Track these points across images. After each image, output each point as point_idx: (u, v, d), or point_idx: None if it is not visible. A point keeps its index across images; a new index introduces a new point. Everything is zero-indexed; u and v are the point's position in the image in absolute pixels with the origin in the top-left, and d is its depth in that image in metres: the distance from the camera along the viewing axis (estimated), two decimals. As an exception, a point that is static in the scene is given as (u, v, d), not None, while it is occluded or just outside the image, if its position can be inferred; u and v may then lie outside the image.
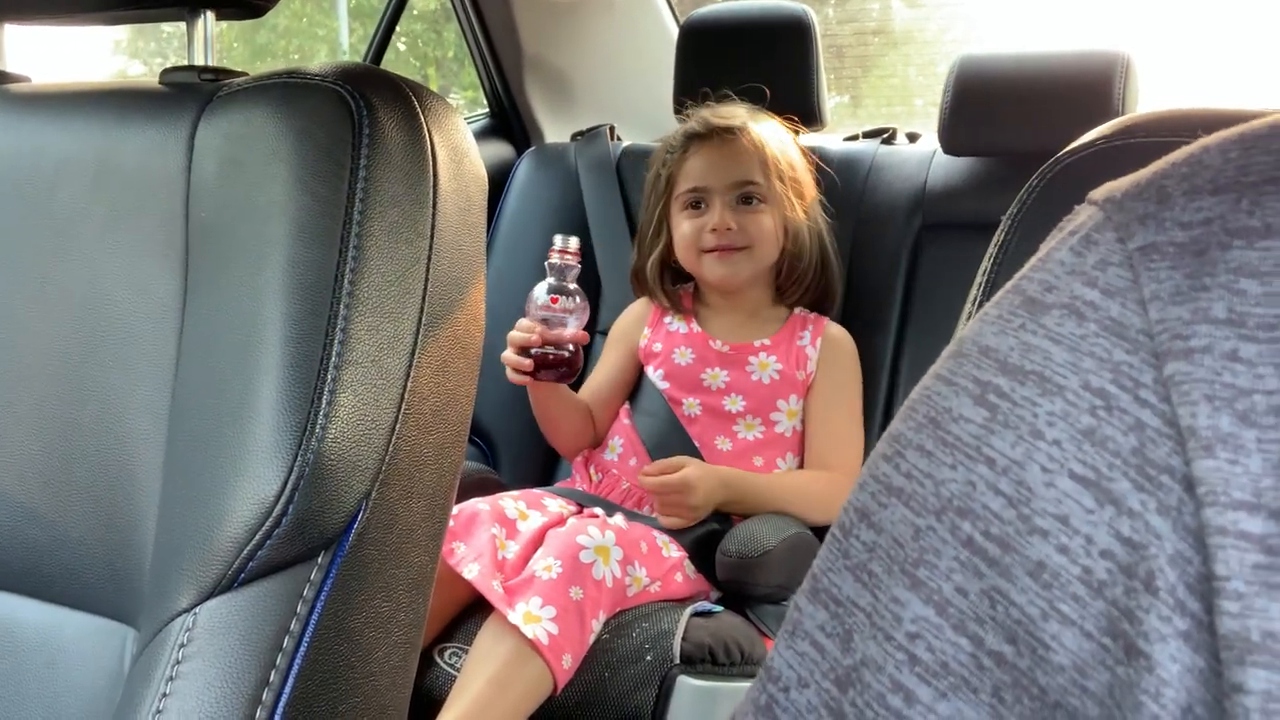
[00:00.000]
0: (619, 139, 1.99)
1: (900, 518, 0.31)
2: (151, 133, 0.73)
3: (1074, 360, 0.29)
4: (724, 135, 1.58)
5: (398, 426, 0.66)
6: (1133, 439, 0.27)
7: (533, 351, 1.47)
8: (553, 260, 1.50)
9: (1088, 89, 1.55)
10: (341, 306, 0.64)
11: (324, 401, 0.63)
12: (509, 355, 1.49)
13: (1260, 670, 0.25)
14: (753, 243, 1.55)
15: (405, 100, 0.71)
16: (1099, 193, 0.32)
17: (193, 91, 0.75)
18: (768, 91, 1.70)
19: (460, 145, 0.75)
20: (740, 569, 1.36)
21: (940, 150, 1.72)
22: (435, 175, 0.71)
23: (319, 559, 0.63)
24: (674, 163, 1.61)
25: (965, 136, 1.66)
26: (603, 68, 2.16)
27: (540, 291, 1.50)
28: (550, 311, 1.49)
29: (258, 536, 0.61)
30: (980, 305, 0.57)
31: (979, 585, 0.29)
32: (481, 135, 2.04)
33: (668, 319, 1.65)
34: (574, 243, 1.50)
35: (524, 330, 1.48)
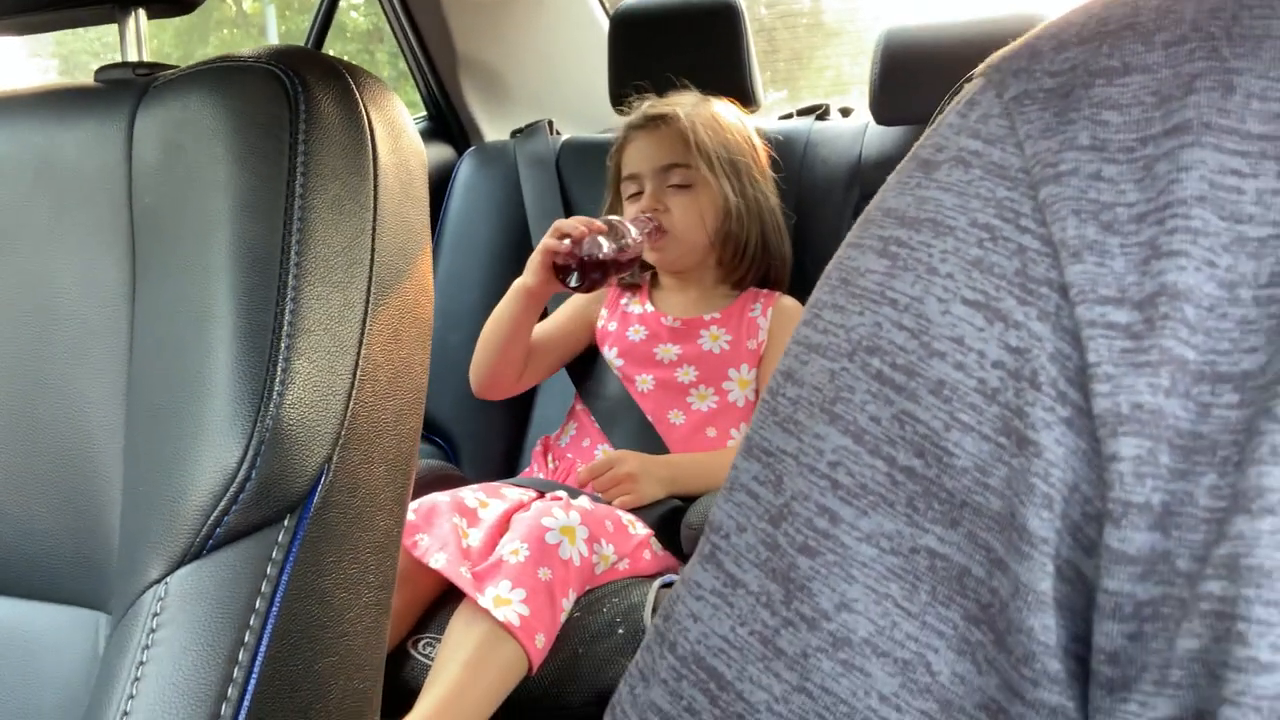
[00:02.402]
0: (558, 133, 2.01)
1: (819, 368, 0.33)
2: (90, 126, 0.74)
3: (962, 203, 0.32)
4: (656, 122, 1.62)
5: (354, 392, 0.68)
6: (1016, 262, 0.30)
7: (578, 242, 1.47)
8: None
9: (1008, 50, 1.59)
10: (290, 277, 0.66)
11: (279, 369, 0.64)
12: (551, 242, 1.50)
13: (1130, 438, 0.28)
14: (676, 223, 1.58)
15: (339, 78, 0.73)
16: (981, 66, 0.35)
17: (128, 86, 0.76)
18: (687, 82, 1.73)
19: (397, 121, 0.76)
20: (705, 540, 1.38)
21: (873, 122, 1.75)
22: (374, 149, 0.72)
23: (285, 522, 0.64)
24: (615, 153, 1.65)
25: (895, 106, 1.69)
26: (537, 63, 2.18)
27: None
28: (617, 221, 1.50)
29: (223, 503, 0.62)
30: None
31: (889, 411, 0.31)
32: (421, 138, 2.05)
33: (624, 300, 1.68)
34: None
35: (579, 222, 1.50)
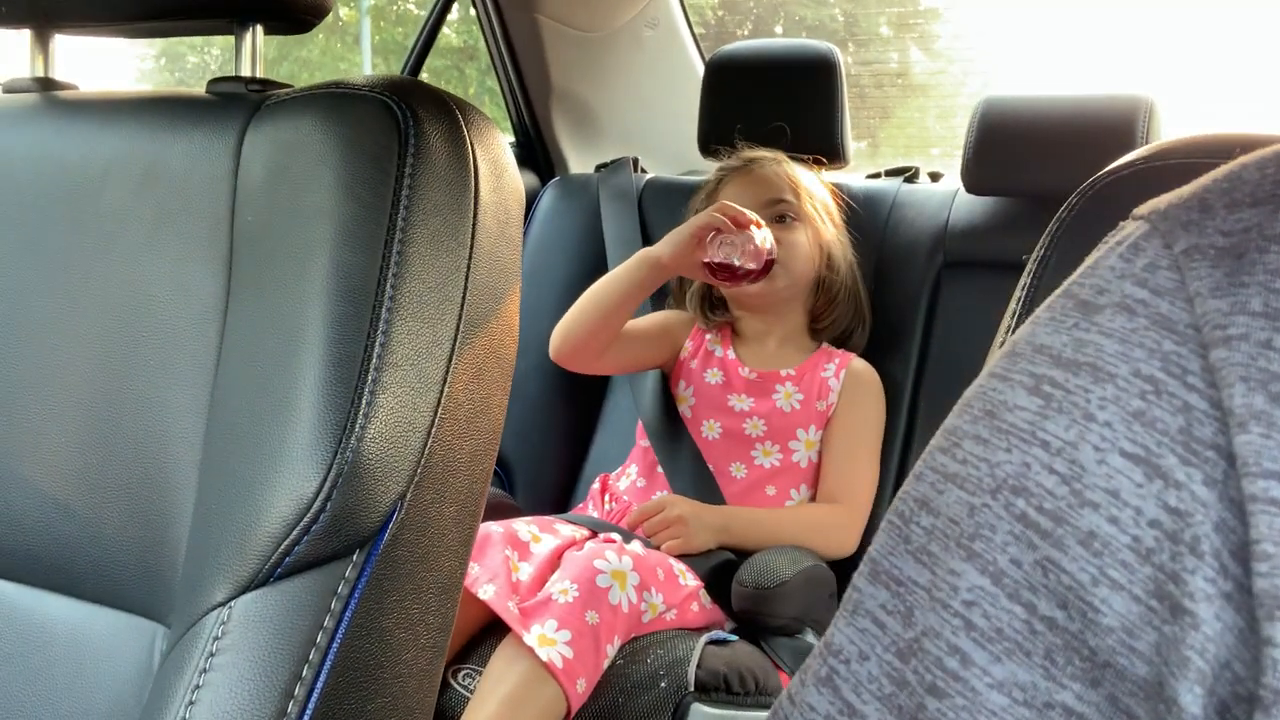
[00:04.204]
0: (642, 171, 2.01)
1: (956, 499, 0.32)
2: (199, 138, 0.75)
3: (1125, 351, 0.31)
4: (756, 164, 1.62)
5: (434, 430, 0.67)
6: (1180, 419, 0.29)
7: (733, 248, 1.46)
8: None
9: (1110, 131, 1.56)
10: (383, 310, 0.65)
11: (364, 402, 0.63)
12: (718, 218, 1.47)
13: None
14: (787, 256, 1.57)
15: (449, 113, 0.73)
16: (1143, 208, 0.34)
17: (240, 101, 0.77)
18: (788, 130, 1.73)
19: (500, 160, 0.76)
20: (756, 599, 1.36)
21: (962, 189, 1.73)
22: (476, 187, 0.72)
23: (354, 557, 0.63)
24: (710, 194, 1.65)
25: (988, 176, 1.67)
26: (629, 101, 2.19)
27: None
28: (760, 232, 1.48)
29: (295, 532, 0.62)
30: (1020, 317, 0.58)
31: (1032, 556, 0.30)
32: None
33: (709, 337, 1.67)
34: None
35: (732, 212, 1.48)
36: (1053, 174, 1.61)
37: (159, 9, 0.83)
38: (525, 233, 1.99)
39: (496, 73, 2.03)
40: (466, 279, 0.71)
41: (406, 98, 0.71)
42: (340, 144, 0.68)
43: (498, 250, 0.74)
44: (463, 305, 0.70)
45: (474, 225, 0.72)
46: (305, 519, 0.62)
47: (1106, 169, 0.57)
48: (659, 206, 1.91)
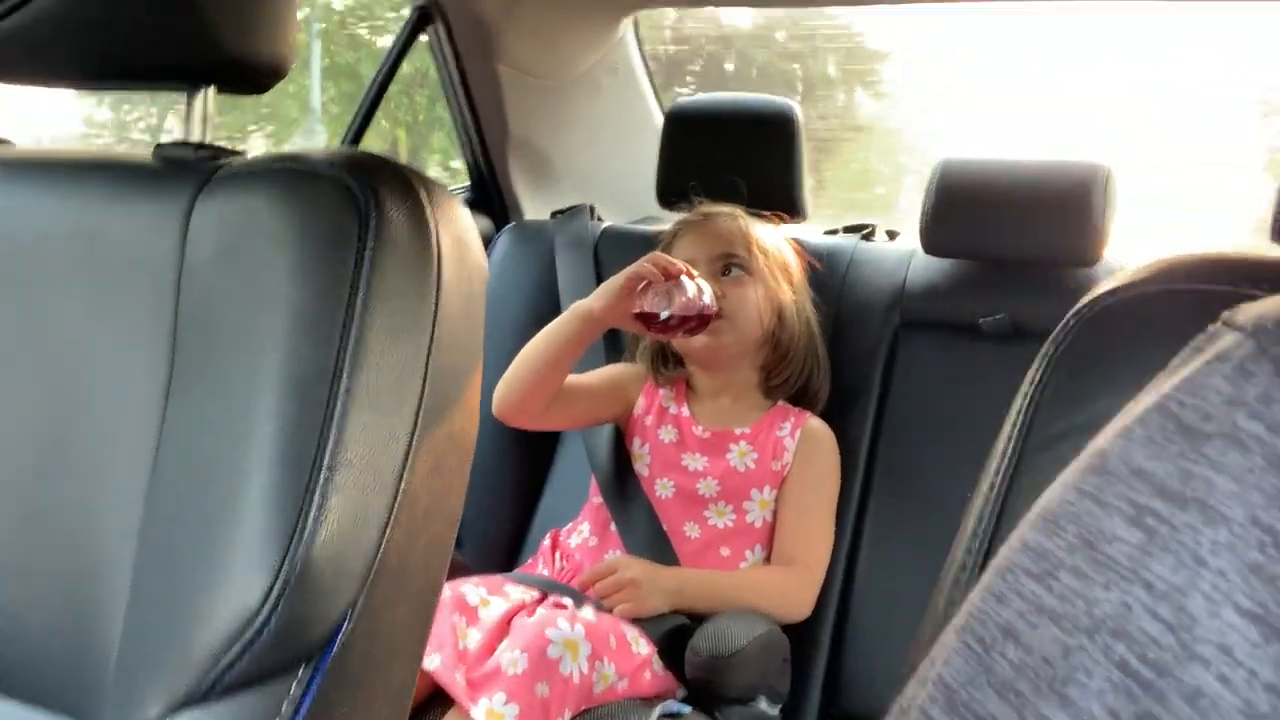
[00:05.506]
0: (599, 219, 1.99)
1: (1051, 637, 0.30)
2: (144, 209, 0.71)
3: (1240, 492, 0.28)
4: (712, 217, 1.61)
5: (389, 530, 0.64)
6: None
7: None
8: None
9: (1068, 199, 1.57)
10: (338, 403, 0.62)
11: (314, 505, 0.60)
12: (648, 269, 1.43)
13: None
14: (734, 310, 1.54)
15: (411, 191, 0.70)
16: (1245, 319, 0.31)
17: (189, 169, 0.73)
18: (743, 185, 1.71)
19: (464, 237, 0.73)
20: (711, 669, 1.33)
21: (920, 250, 1.73)
22: (439, 267, 0.69)
23: (299, 672, 0.59)
24: (666, 247, 1.63)
25: (946, 238, 1.67)
26: (587, 149, 2.17)
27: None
28: (693, 283, 1.44)
29: (237, 646, 0.58)
30: (1016, 446, 0.56)
31: (1132, 708, 0.28)
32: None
33: (663, 393, 1.64)
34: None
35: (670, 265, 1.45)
36: (1011, 239, 1.62)
37: (109, 71, 0.79)
38: (478, 280, 1.96)
39: (452, 118, 2.00)
40: (427, 366, 0.67)
41: (367, 176, 0.68)
42: (296, 224, 0.65)
43: (460, 332, 0.71)
44: (422, 395, 0.67)
45: (436, 309, 0.68)
46: (248, 633, 0.58)
47: (1102, 291, 0.55)
48: (616, 255, 1.88)
